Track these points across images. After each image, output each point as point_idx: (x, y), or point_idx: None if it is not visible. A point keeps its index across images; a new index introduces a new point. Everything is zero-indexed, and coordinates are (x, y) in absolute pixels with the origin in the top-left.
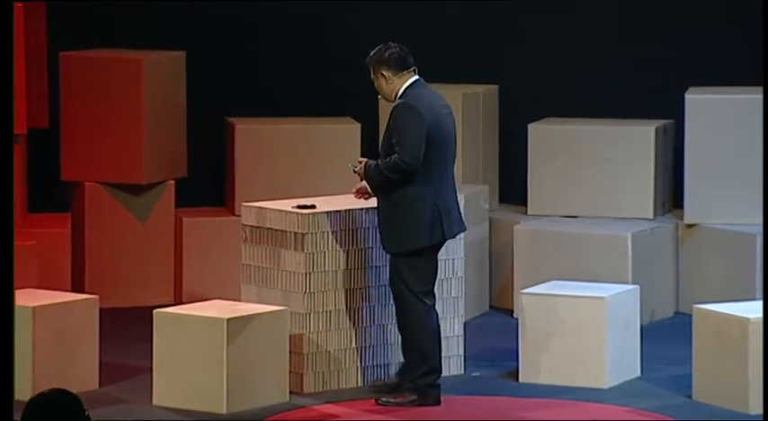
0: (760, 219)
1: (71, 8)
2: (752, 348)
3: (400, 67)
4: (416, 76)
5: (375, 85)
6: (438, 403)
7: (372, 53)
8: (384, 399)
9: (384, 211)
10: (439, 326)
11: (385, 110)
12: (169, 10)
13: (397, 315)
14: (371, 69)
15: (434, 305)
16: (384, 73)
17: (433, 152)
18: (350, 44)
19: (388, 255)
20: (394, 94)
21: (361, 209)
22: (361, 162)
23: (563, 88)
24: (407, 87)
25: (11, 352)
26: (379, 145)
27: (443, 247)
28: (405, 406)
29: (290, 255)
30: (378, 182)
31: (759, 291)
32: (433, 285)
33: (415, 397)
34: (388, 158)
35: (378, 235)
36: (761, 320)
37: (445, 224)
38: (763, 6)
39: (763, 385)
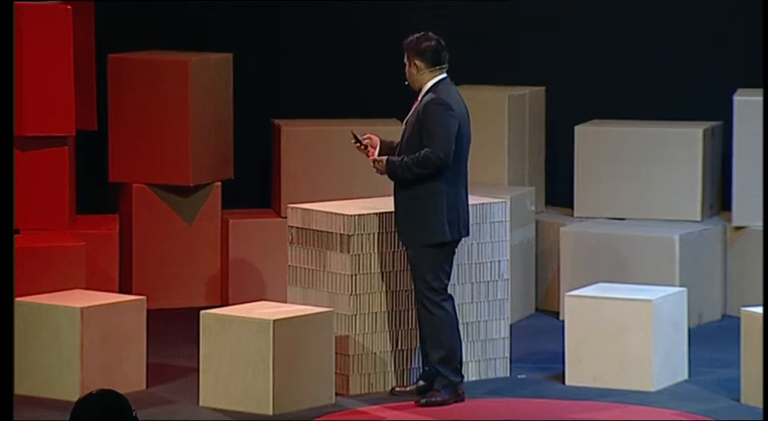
0: None
1: (119, 10)
2: None
3: (434, 62)
4: (445, 74)
5: (406, 70)
6: (463, 399)
7: (411, 39)
8: (425, 400)
9: (405, 205)
10: (458, 321)
11: None
12: (217, 12)
13: (420, 314)
14: (406, 54)
15: (453, 302)
16: (417, 63)
17: (456, 150)
18: (396, 45)
19: None
20: (421, 85)
21: None
22: (380, 160)
23: (610, 90)
24: (436, 82)
25: (11, 351)
26: (402, 139)
27: (489, 249)
28: (449, 404)
29: (335, 256)
30: (404, 178)
31: None
32: (448, 284)
33: (451, 394)
34: (417, 154)
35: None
36: None
37: (463, 222)
38: (763, 6)
39: (763, 384)
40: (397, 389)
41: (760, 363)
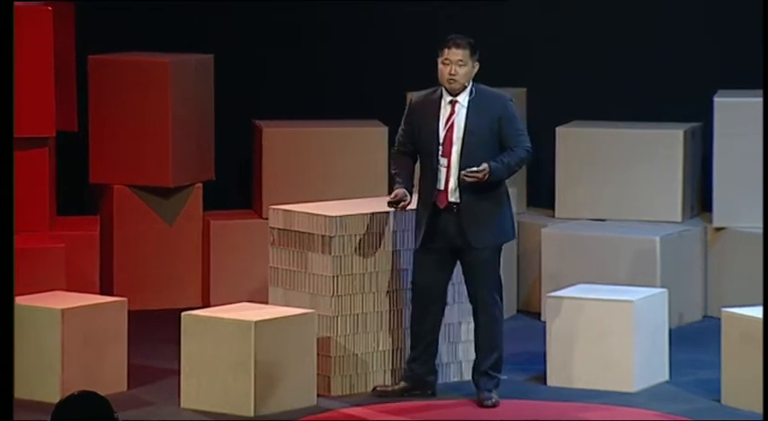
0: None
1: (99, 11)
2: None
3: None
4: None
5: (457, 68)
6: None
7: (471, 40)
8: (492, 402)
9: (482, 206)
10: None
11: None
12: (198, 12)
13: (494, 317)
14: (467, 53)
15: None
16: (477, 63)
17: None
18: (377, 46)
19: (413, 258)
20: (466, 84)
21: (388, 212)
22: (483, 170)
23: (591, 91)
24: (474, 81)
25: (11, 352)
26: (470, 145)
27: None
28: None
29: (317, 257)
30: (499, 180)
31: None
32: None
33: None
34: (514, 153)
35: (405, 237)
36: None
37: None
38: (764, 6)
39: (764, 385)
40: (379, 388)
41: (740, 364)
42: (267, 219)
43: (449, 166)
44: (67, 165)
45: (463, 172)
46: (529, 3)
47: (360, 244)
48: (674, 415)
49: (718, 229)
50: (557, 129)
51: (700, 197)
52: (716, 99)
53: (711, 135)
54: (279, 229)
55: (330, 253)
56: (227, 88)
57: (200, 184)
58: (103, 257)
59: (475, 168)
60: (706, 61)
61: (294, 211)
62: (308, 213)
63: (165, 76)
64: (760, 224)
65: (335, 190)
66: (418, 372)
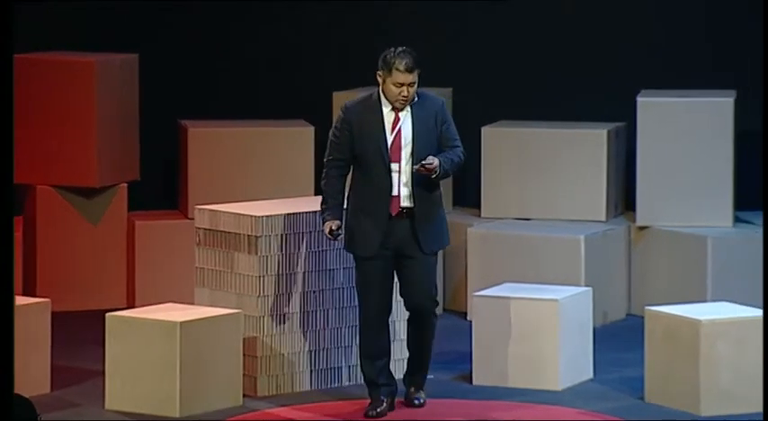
0: (711, 222)
1: (23, 11)
2: (703, 350)
3: None
4: None
5: (412, 89)
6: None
7: (416, 57)
8: (421, 401)
9: (430, 210)
10: None
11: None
12: (123, 12)
13: (434, 323)
14: (417, 71)
15: None
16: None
17: None
18: (303, 46)
19: (342, 259)
20: None
21: (315, 212)
22: (433, 162)
23: (516, 91)
24: None
25: (11, 352)
26: (417, 148)
27: None
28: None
29: (243, 257)
30: (444, 175)
31: (709, 294)
32: None
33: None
34: (454, 153)
35: (323, 239)
36: (710, 322)
37: None
38: (764, 7)
39: (764, 386)
40: (371, 413)
41: (663, 362)
42: (193, 219)
43: (399, 172)
44: None
45: (417, 166)
46: (453, 2)
47: (286, 244)
48: (598, 413)
49: (642, 228)
50: (482, 128)
51: (623, 196)
52: (639, 99)
53: (635, 135)
54: (205, 230)
55: (256, 253)
56: (152, 88)
57: (125, 185)
58: (27, 258)
59: (429, 160)
60: (630, 61)
61: (220, 211)
62: (234, 213)
63: (90, 75)
64: (682, 223)
65: (261, 190)
66: (390, 382)
